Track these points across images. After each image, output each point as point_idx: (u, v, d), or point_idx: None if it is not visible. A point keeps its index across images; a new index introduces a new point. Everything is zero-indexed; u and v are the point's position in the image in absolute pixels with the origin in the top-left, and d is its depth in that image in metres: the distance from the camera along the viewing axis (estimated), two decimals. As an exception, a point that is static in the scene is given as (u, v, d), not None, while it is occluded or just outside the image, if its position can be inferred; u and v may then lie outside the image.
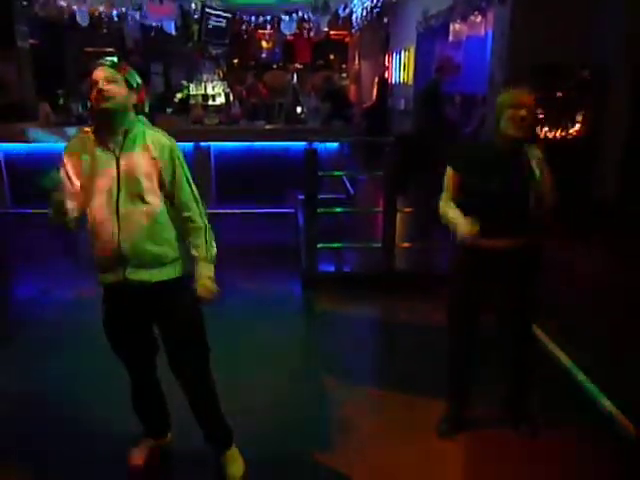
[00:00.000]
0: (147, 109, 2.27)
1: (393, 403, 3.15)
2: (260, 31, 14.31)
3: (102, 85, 2.07)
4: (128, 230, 2.12)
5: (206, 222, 2.30)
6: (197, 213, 2.26)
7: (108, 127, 2.13)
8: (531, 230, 2.46)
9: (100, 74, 2.09)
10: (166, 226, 2.22)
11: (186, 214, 2.24)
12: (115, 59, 2.17)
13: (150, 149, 2.15)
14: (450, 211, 2.47)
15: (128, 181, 2.11)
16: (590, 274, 4.49)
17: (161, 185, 2.18)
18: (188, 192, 2.24)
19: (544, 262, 2.59)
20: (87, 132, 2.19)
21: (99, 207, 2.13)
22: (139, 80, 2.20)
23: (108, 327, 2.37)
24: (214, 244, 2.32)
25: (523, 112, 2.30)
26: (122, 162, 2.12)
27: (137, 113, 2.21)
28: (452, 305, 2.71)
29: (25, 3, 8.79)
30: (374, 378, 3.58)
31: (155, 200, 2.16)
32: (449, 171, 2.53)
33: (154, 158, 2.15)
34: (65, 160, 2.17)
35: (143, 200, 2.13)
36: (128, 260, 2.16)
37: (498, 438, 2.79)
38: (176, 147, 2.22)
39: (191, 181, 2.26)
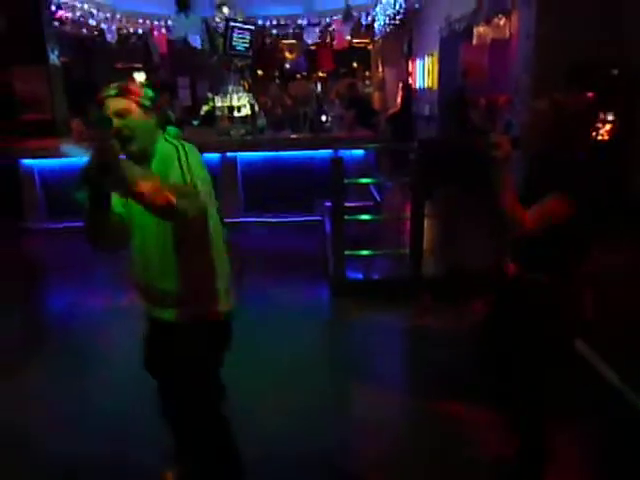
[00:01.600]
0: (172, 118, 2.11)
1: (422, 410, 3.11)
2: (283, 41, 14.46)
3: (117, 123, 1.81)
4: (161, 270, 1.97)
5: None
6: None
7: (137, 160, 1.86)
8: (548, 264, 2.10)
9: (110, 109, 1.85)
10: (188, 261, 1.98)
11: None
12: (118, 87, 1.89)
13: (158, 166, 1.91)
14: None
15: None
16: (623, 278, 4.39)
17: None
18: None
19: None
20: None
21: (137, 239, 2.00)
22: (151, 94, 1.96)
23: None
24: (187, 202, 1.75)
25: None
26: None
27: (162, 126, 2.02)
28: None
29: (56, 23, 9.06)
30: (403, 385, 3.56)
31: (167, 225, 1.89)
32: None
33: (157, 172, 1.88)
34: None
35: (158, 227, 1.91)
36: (154, 299, 2.06)
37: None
38: (180, 149, 1.92)
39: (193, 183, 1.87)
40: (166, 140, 1.97)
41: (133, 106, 1.86)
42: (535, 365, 2.11)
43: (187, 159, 1.90)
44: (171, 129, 2.04)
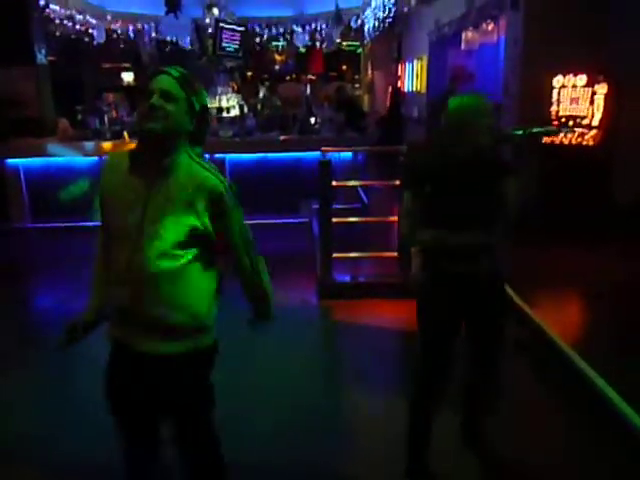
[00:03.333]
0: (204, 137, 1.84)
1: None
2: (273, 43, 14.48)
3: (156, 100, 1.63)
4: (152, 286, 1.70)
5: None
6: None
7: (151, 154, 1.69)
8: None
9: (158, 85, 1.65)
10: (191, 286, 1.80)
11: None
12: (182, 73, 1.71)
13: (186, 187, 1.69)
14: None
15: (156, 225, 1.67)
16: (608, 281, 4.44)
17: (195, 234, 1.71)
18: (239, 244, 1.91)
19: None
20: (123, 150, 1.80)
21: (120, 253, 1.73)
22: (205, 103, 1.77)
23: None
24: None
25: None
26: (151, 201, 1.68)
27: (192, 143, 1.76)
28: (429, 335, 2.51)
29: (43, 21, 8.98)
30: (390, 386, 3.56)
31: (185, 252, 1.72)
32: None
33: (190, 202, 1.68)
34: (102, 183, 1.78)
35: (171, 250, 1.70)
36: (129, 323, 1.78)
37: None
38: (224, 190, 1.76)
39: (245, 233, 1.92)
40: (199, 163, 1.76)
41: (182, 97, 1.67)
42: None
43: (238, 211, 1.85)
44: (197, 148, 1.81)
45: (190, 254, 1.73)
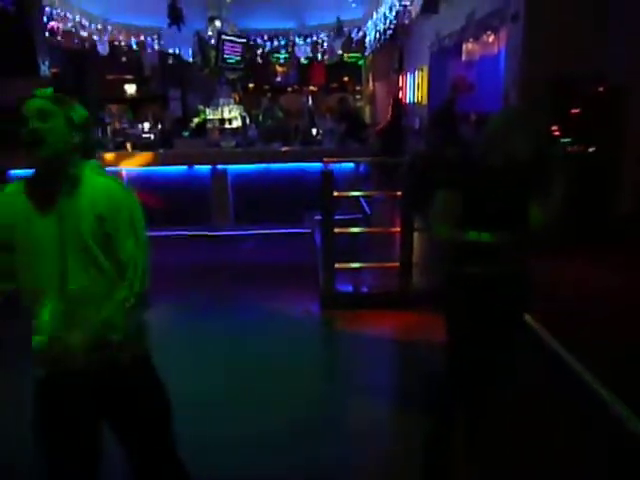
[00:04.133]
0: (94, 150, 1.84)
1: (410, 423, 3.10)
2: (275, 55, 14.57)
3: (33, 124, 1.63)
4: (78, 305, 1.69)
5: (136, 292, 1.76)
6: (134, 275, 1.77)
7: (45, 176, 1.68)
8: None
9: (32, 108, 1.65)
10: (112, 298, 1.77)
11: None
12: (52, 92, 1.71)
13: (98, 205, 1.69)
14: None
15: (73, 244, 1.68)
16: (607, 292, 4.44)
17: (109, 246, 1.72)
18: (130, 251, 1.75)
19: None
20: (14, 184, 1.74)
21: (36, 278, 1.69)
22: (84, 113, 1.76)
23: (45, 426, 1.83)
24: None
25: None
26: (63, 220, 1.67)
27: (84, 157, 1.76)
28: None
29: (47, 33, 9.06)
30: (392, 397, 3.55)
31: (107, 264, 1.73)
32: None
33: (101, 216, 1.69)
34: None
35: (95, 265, 1.70)
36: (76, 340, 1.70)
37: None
38: (134, 200, 1.76)
39: (141, 241, 1.77)
40: (101, 175, 1.76)
41: (59, 114, 1.67)
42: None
43: (140, 219, 1.77)
44: (92, 161, 1.79)
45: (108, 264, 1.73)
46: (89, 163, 1.76)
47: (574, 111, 5.70)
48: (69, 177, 1.69)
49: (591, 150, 5.68)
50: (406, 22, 10.71)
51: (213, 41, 11.10)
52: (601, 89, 5.65)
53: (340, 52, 13.68)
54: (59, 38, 10.20)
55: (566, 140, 5.68)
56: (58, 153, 1.66)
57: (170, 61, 13.07)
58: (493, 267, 2.24)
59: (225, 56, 10.61)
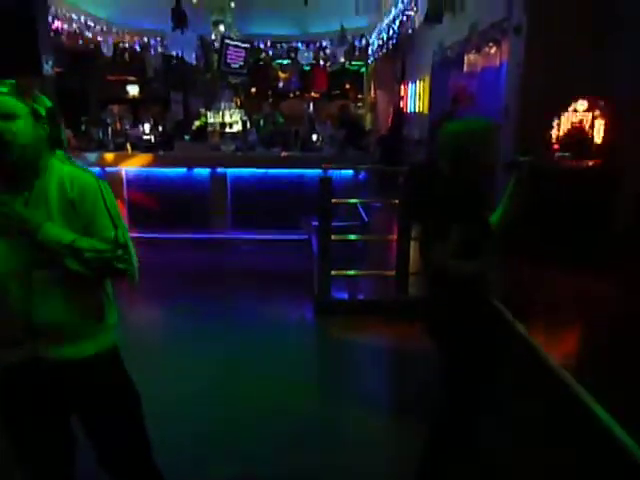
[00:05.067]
0: (64, 139, 1.80)
1: (405, 431, 3.10)
2: (277, 61, 14.63)
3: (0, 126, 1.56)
4: (44, 295, 1.65)
5: (120, 248, 1.70)
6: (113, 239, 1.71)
7: (15, 172, 1.64)
8: None
9: None
10: (93, 289, 1.77)
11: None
12: (12, 85, 1.62)
13: (67, 189, 1.67)
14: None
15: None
16: (607, 306, 4.44)
17: (86, 232, 1.68)
18: (109, 230, 1.71)
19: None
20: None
21: (1, 264, 1.63)
22: (49, 104, 1.71)
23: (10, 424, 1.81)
24: (96, 257, 1.65)
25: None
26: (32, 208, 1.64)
27: (52, 147, 1.72)
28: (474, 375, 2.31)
29: (52, 34, 9.10)
30: (387, 407, 3.54)
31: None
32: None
33: (72, 200, 1.66)
34: None
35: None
36: (40, 334, 1.68)
37: None
38: (101, 185, 1.73)
39: (117, 221, 1.73)
40: (69, 164, 1.73)
41: (24, 110, 1.60)
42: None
43: (112, 200, 1.73)
44: (59, 151, 1.76)
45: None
46: (57, 154, 1.73)
47: (574, 124, 5.73)
48: (37, 170, 1.66)
49: (591, 164, 5.70)
50: (409, 31, 10.77)
51: (216, 45, 11.15)
52: (602, 103, 5.67)
53: (343, 60, 13.75)
54: (63, 38, 10.23)
55: (564, 154, 5.70)
56: (29, 152, 1.62)
57: (173, 64, 13.12)
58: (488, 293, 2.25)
59: (228, 61, 10.66)
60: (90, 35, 11.01)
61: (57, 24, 9.76)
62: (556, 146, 5.85)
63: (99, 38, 11.34)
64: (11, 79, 1.65)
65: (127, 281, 1.74)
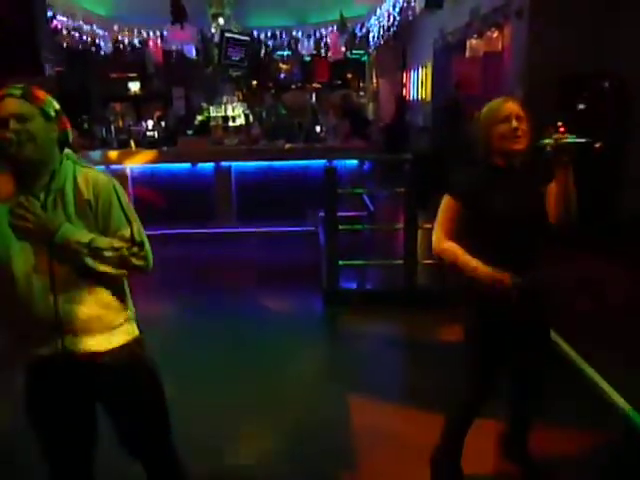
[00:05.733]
0: (71, 139, 1.80)
1: (415, 420, 3.10)
2: (278, 52, 14.54)
3: (14, 125, 1.62)
4: (68, 291, 1.71)
5: (136, 246, 1.78)
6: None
7: (29, 175, 1.69)
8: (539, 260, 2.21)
9: (8, 110, 1.63)
10: (114, 282, 1.83)
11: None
12: (23, 88, 1.68)
13: (83, 191, 1.73)
14: (458, 251, 2.18)
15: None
16: (615, 289, 4.41)
17: (102, 232, 1.75)
18: (125, 228, 1.78)
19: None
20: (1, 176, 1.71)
21: (25, 263, 1.69)
22: (57, 106, 1.75)
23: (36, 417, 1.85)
24: (114, 255, 1.73)
25: (515, 123, 2.09)
26: (53, 219, 1.69)
27: (62, 147, 1.77)
28: (474, 353, 2.36)
29: (51, 32, 9.08)
30: (396, 395, 3.54)
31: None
32: (447, 201, 2.23)
33: (88, 201, 1.73)
34: None
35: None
36: (65, 328, 1.73)
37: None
38: (115, 184, 1.80)
39: (132, 218, 1.80)
40: (82, 165, 1.79)
41: (35, 112, 1.66)
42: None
43: (126, 198, 1.81)
44: (69, 152, 1.81)
45: None
46: (68, 154, 1.78)
47: (580, 107, 5.68)
48: (52, 171, 1.71)
49: (597, 146, 5.65)
50: (410, 18, 10.68)
51: (216, 39, 11.10)
52: (606, 84, 5.62)
53: (343, 49, 13.65)
54: (63, 37, 10.21)
55: (572, 137, 5.65)
56: (44, 152, 1.68)
57: (173, 59, 13.07)
58: None
59: (228, 54, 10.61)
60: (89, 33, 10.98)
61: (56, 23, 9.74)
62: (562, 129, 5.79)
63: (99, 35, 11.31)
64: (20, 81, 1.70)
65: (142, 274, 1.81)
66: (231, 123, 8.66)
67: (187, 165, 7.00)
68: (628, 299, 4.29)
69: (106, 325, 1.79)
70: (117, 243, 1.73)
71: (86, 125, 7.96)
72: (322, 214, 5.23)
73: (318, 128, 7.86)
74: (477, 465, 2.57)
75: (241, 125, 8.59)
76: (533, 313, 2.24)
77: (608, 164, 5.59)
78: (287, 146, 7.21)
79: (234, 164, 7.03)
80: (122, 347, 1.82)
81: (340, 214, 4.77)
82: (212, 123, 8.35)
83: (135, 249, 1.76)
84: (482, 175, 2.22)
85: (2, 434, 3.02)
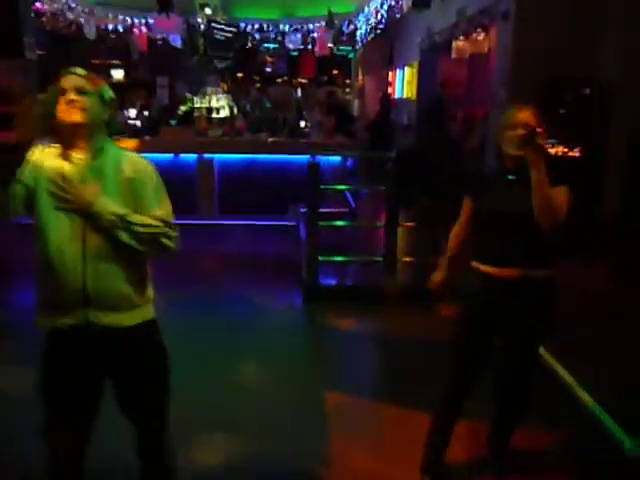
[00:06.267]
0: (117, 128, 1.97)
1: (392, 418, 3.12)
2: (264, 45, 14.47)
3: (73, 95, 1.77)
4: (97, 264, 1.79)
5: (167, 226, 1.88)
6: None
7: (77, 143, 1.82)
8: (547, 258, 2.31)
9: (70, 82, 1.79)
10: (141, 262, 1.93)
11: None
12: (85, 71, 1.87)
13: (125, 170, 1.85)
14: (450, 241, 2.53)
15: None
16: (593, 292, 4.49)
17: (137, 211, 1.84)
18: (158, 209, 1.88)
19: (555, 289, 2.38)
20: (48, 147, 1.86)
21: (59, 233, 1.77)
22: (112, 95, 1.91)
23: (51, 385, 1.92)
24: (146, 231, 1.82)
25: (520, 131, 2.18)
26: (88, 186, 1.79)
27: (109, 134, 1.92)
28: (457, 335, 2.49)
29: (33, 15, 8.91)
30: (373, 392, 3.56)
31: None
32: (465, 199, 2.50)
33: (129, 180, 1.84)
34: (25, 171, 1.79)
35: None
36: (92, 301, 1.80)
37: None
38: (153, 168, 1.92)
39: (165, 201, 1.92)
40: (123, 149, 1.93)
41: (93, 91, 1.82)
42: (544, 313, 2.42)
43: (161, 183, 1.92)
44: (113, 139, 1.95)
45: None
46: (112, 139, 1.92)
47: (561, 111, 5.74)
48: (95, 149, 1.83)
49: (576, 151, 5.73)
50: (397, 17, 10.70)
51: (202, 29, 11.00)
52: (588, 91, 5.69)
53: (330, 45, 13.64)
54: (45, 20, 10.03)
55: (552, 141, 5.72)
56: (91, 124, 1.81)
57: (158, 47, 12.93)
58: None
59: (214, 44, 10.53)
60: (72, 16, 10.81)
61: (38, 5, 9.56)
62: (540, 130, 5.86)
63: (82, 20, 11.13)
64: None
65: (167, 254, 1.90)
66: (215, 115, 8.59)
67: (170, 155, 6.93)
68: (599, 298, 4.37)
69: (129, 303, 1.87)
70: (149, 221, 1.82)
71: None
72: (304, 209, 5.23)
73: (302, 123, 7.84)
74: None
75: (225, 117, 8.53)
76: (519, 304, 2.31)
77: (588, 169, 5.67)
78: (271, 140, 7.19)
79: (217, 156, 6.99)
80: (140, 325, 1.90)
81: (322, 210, 4.77)
82: (196, 114, 8.27)
83: (166, 229, 1.86)
84: (491, 175, 2.46)
85: (2, 434, 2.97)
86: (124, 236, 1.78)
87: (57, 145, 1.84)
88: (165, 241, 1.87)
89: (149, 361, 1.99)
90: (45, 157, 1.83)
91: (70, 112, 1.76)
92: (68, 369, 1.89)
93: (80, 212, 1.76)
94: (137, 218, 1.80)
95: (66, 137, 1.82)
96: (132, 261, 1.87)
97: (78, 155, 1.82)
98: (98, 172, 1.82)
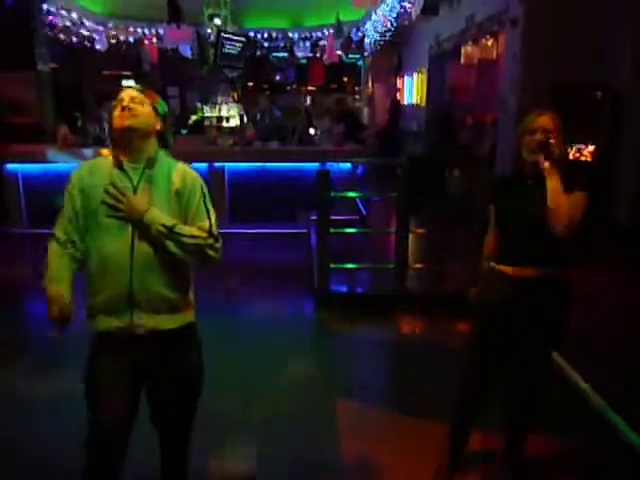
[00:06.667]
0: (171, 141, 2.06)
1: (404, 425, 3.11)
2: (274, 54, 14.56)
3: (128, 102, 1.90)
4: (143, 270, 1.88)
5: (212, 238, 1.96)
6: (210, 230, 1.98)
7: (129, 151, 1.91)
8: (564, 260, 2.32)
9: (127, 94, 1.93)
10: (185, 269, 2.01)
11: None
12: (142, 86, 2.05)
13: (175, 182, 1.93)
14: (485, 251, 2.51)
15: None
16: (607, 295, 4.45)
17: (184, 220, 1.93)
18: (205, 221, 1.96)
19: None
20: (106, 155, 1.98)
21: (110, 240, 1.88)
22: (166, 108, 2.04)
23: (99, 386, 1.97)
24: (192, 242, 1.90)
25: (538, 136, 2.20)
26: (140, 192, 1.90)
27: (161, 145, 2.01)
28: (474, 334, 2.53)
29: (46, 28, 9.04)
30: (385, 399, 3.55)
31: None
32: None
33: (178, 191, 1.92)
34: (74, 183, 1.95)
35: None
36: (137, 304, 1.90)
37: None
38: (203, 182, 2.01)
39: (212, 213, 1.99)
40: (177, 161, 2.02)
41: (147, 102, 1.94)
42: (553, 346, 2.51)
43: (210, 197, 2.00)
44: (165, 150, 2.05)
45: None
46: (164, 150, 2.02)
47: (571, 116, 5.71)
48: (147, 159, 1.92)
49: (587, 155, 5.70)
50: (406, 24, 10.72)
51: (212, 39, 11.09)
52: (599, 94, 5.67)
53: (339, 52, 13.68)
54: (58, 33, 10.17)
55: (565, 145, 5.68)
56: (144, 127, 1.91)
57: (169, 58, 13.05)
58: None
59: (224, 54, 10.61)
60: (84, 30, 10.95)
61: (51, 19, 9.70)
62: (552, 141, 5.83)
63: (94, 33, 11.27)
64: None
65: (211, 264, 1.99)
66: (225, 123, 8.66)
67: (180, 165, 6.97)
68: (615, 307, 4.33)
69: (172, 307, 1.95)
70: (196, 232, 1.90)
71: (79, 122, 7.92)
72: (314, 216, 5.24)
73: (312, 131, 7.86)
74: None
75: (235, 126, 8.59)
76: (535, 304, 2.31)
77: (599, 175, 5.63)
78: (280, 148, 7.21)
79: (227, 165, 7.03)
80: (181, 328, 1.99)
81: (332, 217, 4.78)
82: (206, 123, 8.35)
83: (211, 241, 1.93)
84: (511, 179, 2.48)
85: (2, 434, 3.00)
86: (171, 246, 1.87)
87: (110, 155, 1.94)
88: (210, 252, 1.94)
89: (188, 362, 2.05)
90: (99, 167, 1.94)
91: (123, 117, 1.87)
92: (113, 370, 1.95)
93: (131, 221, 1.85)
94: (184, 229, 1.89)
95: (120, 144, 1.91)
96: (177, 268, 1.95)
97: (132, 164, 1.91)
98: (150, 182, 1.91)
